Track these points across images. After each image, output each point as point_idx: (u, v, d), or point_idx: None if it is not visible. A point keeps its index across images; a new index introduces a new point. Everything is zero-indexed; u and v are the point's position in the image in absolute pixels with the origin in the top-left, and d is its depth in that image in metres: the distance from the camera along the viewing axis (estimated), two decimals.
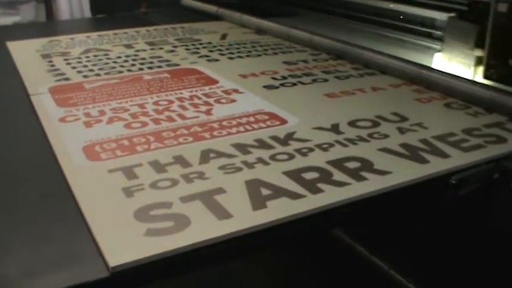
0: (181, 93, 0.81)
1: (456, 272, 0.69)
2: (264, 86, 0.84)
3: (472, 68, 0.83)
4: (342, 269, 0.78)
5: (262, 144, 0.62)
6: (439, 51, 0.93)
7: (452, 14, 0.92)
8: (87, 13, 2.48)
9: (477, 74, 0.83)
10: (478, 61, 0.83)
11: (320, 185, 0.52)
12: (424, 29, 1.08)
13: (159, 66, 0.97)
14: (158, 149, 0.61)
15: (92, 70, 0.94)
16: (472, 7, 0.88)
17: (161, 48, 1.10)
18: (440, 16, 1.01)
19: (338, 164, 0.57)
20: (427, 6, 1.09)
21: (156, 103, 0.76)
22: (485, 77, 0.81)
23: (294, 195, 0.51)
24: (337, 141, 0.63)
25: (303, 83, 0.86)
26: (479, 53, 0.82)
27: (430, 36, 1.05)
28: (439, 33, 1.00)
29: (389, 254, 0.72)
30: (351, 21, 1.30)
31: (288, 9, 1.50)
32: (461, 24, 0.86)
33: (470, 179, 0.56)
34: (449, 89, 0.80)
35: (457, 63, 0.86)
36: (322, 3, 1.40)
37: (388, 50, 0.98)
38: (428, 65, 0.89)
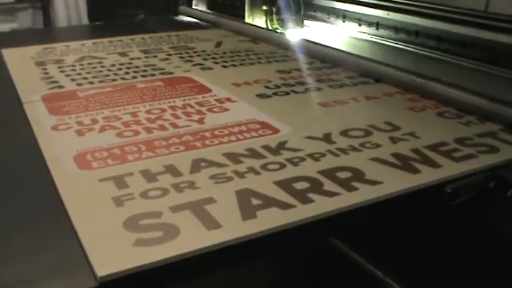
0: (174, 101, 0.81)
1: (451, 280, 0.69)
2: (257, 95, 0.84)
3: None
4: (338, 277, 0.78)
5: (253, 153, 0.62)
6: None
7: None
8: (85, 20, 2.49)
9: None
10: None
11: (311, 195, 0.52)
12: None
13: (153, 75, 0.96)
14: (149, 158, 0.61)
15: (85, 78, 0.94)
16: None
17: (155, 57, 1.10)
18: None
19: (329, 173, 0.57)
20: None
21: (148, 111, 0.76)
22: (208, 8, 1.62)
23: (284, 205, 0.50)
24: (329, 151, 0.63)
25: (296, 92, 0.86)
26: None
27: None
28: None
29: (384, 262, 0.72)
30: None
31: None
32: None
33: (465, 187, 0.56)
34: (443, 98, 0.80)
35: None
36: None
37: None
38: None
